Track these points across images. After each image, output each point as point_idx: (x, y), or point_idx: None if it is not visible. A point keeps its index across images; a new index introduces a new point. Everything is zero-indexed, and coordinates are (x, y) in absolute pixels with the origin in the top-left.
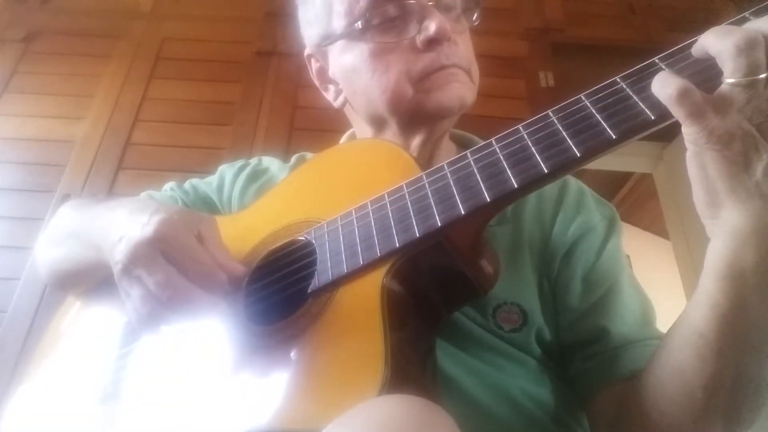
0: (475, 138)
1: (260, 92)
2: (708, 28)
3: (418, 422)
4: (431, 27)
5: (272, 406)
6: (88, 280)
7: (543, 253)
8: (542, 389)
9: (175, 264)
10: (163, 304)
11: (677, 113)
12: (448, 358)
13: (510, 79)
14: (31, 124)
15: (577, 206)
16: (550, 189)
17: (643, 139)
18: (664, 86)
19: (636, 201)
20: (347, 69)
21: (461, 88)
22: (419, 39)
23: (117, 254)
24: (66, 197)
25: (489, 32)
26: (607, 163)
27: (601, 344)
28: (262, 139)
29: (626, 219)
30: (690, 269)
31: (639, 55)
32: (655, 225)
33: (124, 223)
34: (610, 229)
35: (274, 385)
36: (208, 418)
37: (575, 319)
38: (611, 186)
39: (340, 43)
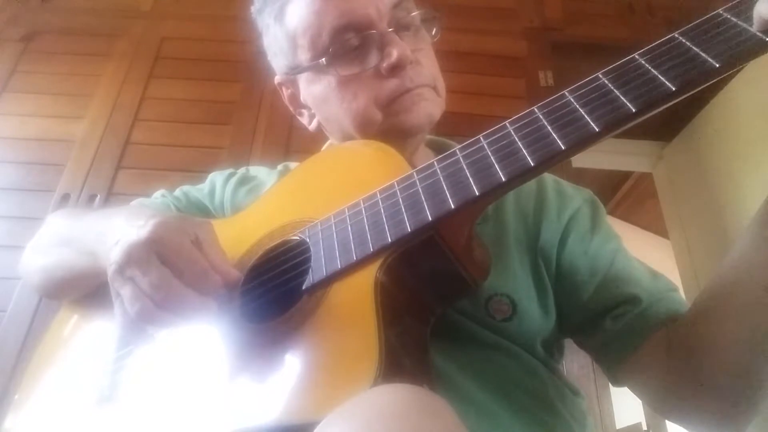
0: (450, 141)
1: (260, 92)
2: None
3: (418, 410)
4: (393, 54)
5: (268, 402)
6: (82, 287)
7: (533, 246)
8: (535, 381)
9: (169, 265)
10: (157, 304)
11: None
12: (439, 353)
13: (510, 78)
14: (31, 124)
15: (558, 196)
16: (528, 185)
17: (643, 138)
18: None
19: (635, 200)
20: (317, 98)
21: (428, 106)
22: (383, 66)
23: (112, 256)
24: (65, 197)
25: (489, 32)
26: (606, 162)
27: (630, 305)
28: (261, 138)
29: (626, 218)
30: (689, 268)
31: None
32: (654, 224)
33: (120, 228)
34: (595, 209)
35: (269, 381)
36: (204, 417)
37: (591, 293)
38: (611, 185)
39: (307, 74)
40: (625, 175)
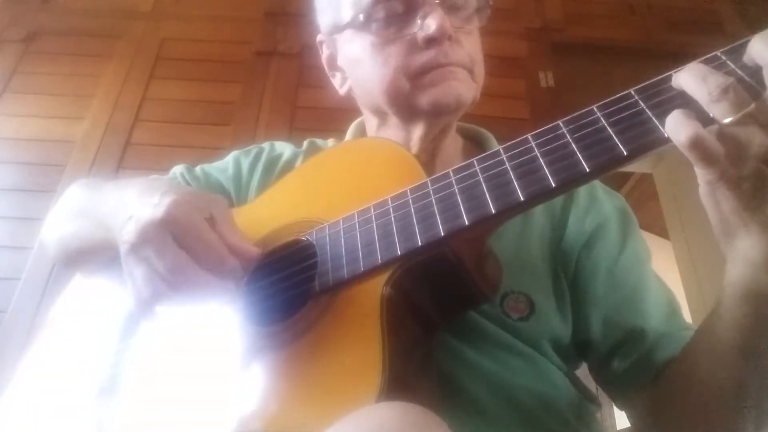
0: (484, 131)
1: (260, 92)
2: (708, 30)
3: (411, 427)
4: (432, 25)
5: (268, 409)
6: (97, 258)
7: (556, 247)
8: (547, 387)
9: (185, 248)
10: (172, 288)
11: (690, 157)
12: (449, 355)
13: (510, 79)
14: (31, 124)
15: (589, 198)
16: None
17: None
18: (678, 131)
19: (636, 201)
20: (351, 59)
21: (458, 86)
22: (420, 36)
23: (125, 234)
24: None
25: (489, 32)
26: None
27: (637, 342)
28: (262, 139)
29: None
30: (690, 269)
31: (639, 55)
32: (655, 225)
33: (133, 202)
34: (626, 221)
35: (270, 388)
36: (201, 420)
37: (605, 316)
38: (611, 186)
39: (347, 33)
40: (625, 176)
